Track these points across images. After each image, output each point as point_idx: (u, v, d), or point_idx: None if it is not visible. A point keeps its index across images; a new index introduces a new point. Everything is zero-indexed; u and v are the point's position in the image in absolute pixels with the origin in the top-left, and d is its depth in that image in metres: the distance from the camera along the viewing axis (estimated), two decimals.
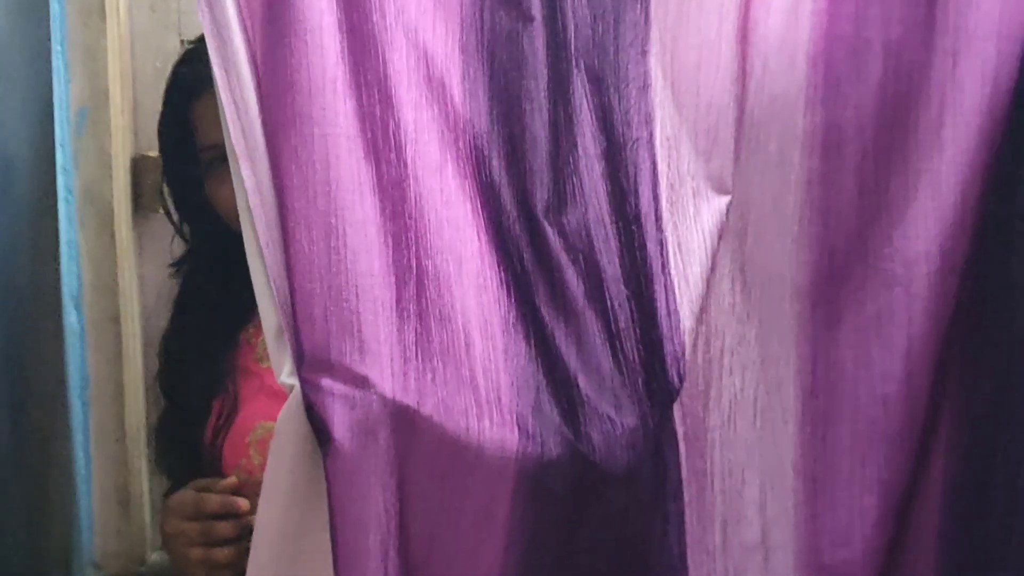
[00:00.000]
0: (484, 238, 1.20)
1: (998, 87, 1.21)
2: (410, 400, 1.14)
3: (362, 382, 1.13)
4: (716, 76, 1.26)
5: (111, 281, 1.69)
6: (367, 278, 1.15)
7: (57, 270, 1.62)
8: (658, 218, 1.25)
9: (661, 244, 1.25)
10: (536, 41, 1.21)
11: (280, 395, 1.47)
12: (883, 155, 1.25)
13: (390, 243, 1.17)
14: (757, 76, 1.27)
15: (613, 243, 1.23)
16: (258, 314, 1.57)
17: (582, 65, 1.23)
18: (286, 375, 1.15)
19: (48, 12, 1.58)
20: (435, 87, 1.19)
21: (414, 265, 1.17)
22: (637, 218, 1.24)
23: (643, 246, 1.24)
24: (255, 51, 1.14)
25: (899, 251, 1.26)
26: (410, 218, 1.17)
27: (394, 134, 1.17)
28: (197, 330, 1.61)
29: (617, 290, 1.22)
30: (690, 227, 1.28)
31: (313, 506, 1.13)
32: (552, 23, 1.22)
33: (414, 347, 1.16)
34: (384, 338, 1.15)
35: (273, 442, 1.16)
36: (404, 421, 1.14)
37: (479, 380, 1.17)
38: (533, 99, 1.21)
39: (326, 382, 1.13)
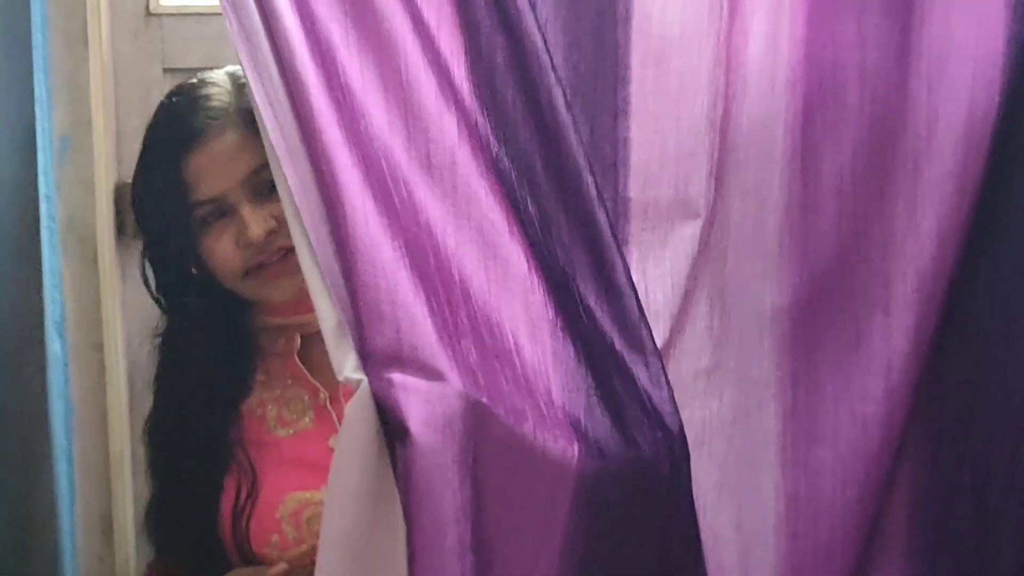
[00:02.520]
0: (525, 245, 1.20)
1: (973, 110, 1.23)
2: (483, 397, 1.14)
3: (437, 376, 1.13)
4: (695, 101, 1.28)
5: (94, 308, 1.67)
6: (426, 277, 1.16)
7: (40, 298, 1.61)
8: (619, 242, 1.25)
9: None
10: (532, 64, 1.21)
11: (306, 464, 1.46)
12: (861, 178, 1.27)
13: (441, 245, 1.17)
14: (738, 101, 1.29)
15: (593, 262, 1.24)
16: (259, 383, 1.53)
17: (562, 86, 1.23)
18: (350, 371, 1.13)
19: (31, 40, 1.57)
20: (452, 104, 1.19)
21: (466, 268, 1.18)
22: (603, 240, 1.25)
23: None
24: (285, 52, 1.15)
25: (877, 273, 1.27)
26: (459, 221, 1.18)
27: (430, 142, 1.18)
28: (194, 407, 1.51)
29: (590, 307, 1.23)
30: (659, 252, 1.29)
31: (383, 504, 1.12)
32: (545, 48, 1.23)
33: (473, 348, 1.16)
34: (450, 337, 1.15)
35: (339, 440, 1.14)
36: (479, 418, 1.13)
37: (533, 383, 1.17)
38: (536, 120, 1.21)
39: (397, 376, 1.12)
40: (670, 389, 1.22)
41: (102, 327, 1.68)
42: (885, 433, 1.28)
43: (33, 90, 1.58)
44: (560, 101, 1.20)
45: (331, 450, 1.42)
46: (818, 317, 1.29)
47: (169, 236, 1.49)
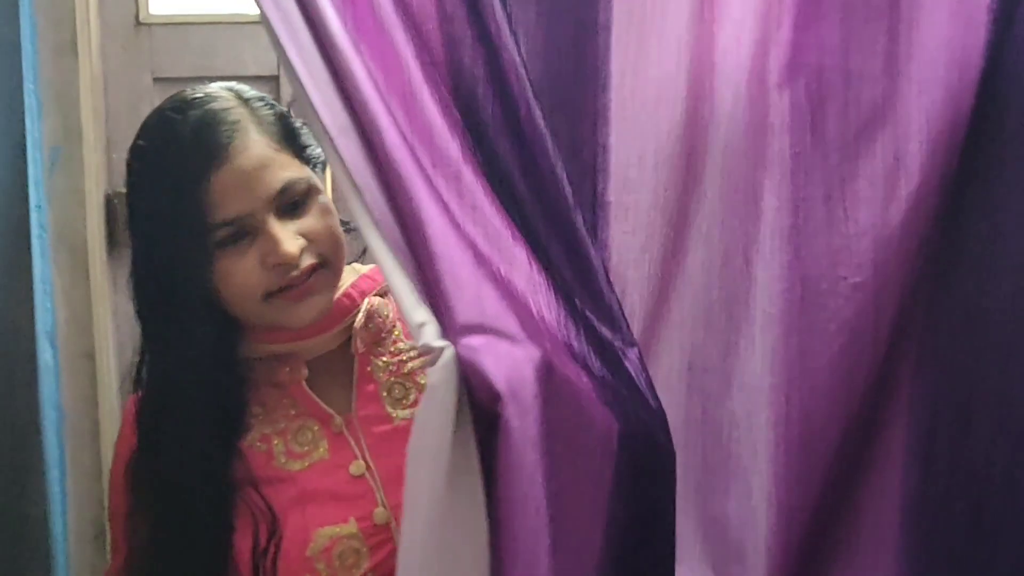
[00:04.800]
0: (526, 248, 1.20)
1: (959, 114, 1.23)
2: (558, 365, 1.13)
3: (521, 341, 1.12)
4: (675, 107, 1.28)
5: (86, 317, 1.68)
6: (484, 254, 1.16)
7: (31, 307, 1.61)
8: (598, 246, 1.25)
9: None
10: (510, 78, 1.21)
11: (329, 496, 1.38)
12: (850, 182, 1.26)
13: (464, 237, 1.17)
14: (724, 106, 1.29)
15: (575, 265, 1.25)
16: (255, 417, 1.42)
17: (537, 96, 1.24)
18: (430, 338, 1.11)
19: (20, 51, 1.58)
20: (447, 115, 1.19)
21: (492, 261, 1.17)
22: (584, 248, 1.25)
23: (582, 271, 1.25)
24: (326, 39, 1.15)
25: (872, 279, 1.26)
26: (467, 226, 1.17)
27: (434, 151, 1.18)
28: (187, 449, 1.37)
29: (579, 304, 1.23)
30: (639, 256, 1.29)
31: (465, 471, 1.11)
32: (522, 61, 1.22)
33: (524, 323, 1.15)
34: (517, 307, 1.15)
35: (421, 407, 1.12)
36: (551, 382, 1.12)
37: (570, 363, 1.17)
38: (514, 132, 1.21)
39: (479, 340, 1.11)
40: (649, 378, 1.22)
41: (93, 335, 1.69)
42: (880, 439, 1.28)
43: (23, 101, 1.59)
44: (537, 113, 1.20)
45: (354, 479, 1.39)
46: (811, 322, 1.28)
47: (178, 259, 1.35)
